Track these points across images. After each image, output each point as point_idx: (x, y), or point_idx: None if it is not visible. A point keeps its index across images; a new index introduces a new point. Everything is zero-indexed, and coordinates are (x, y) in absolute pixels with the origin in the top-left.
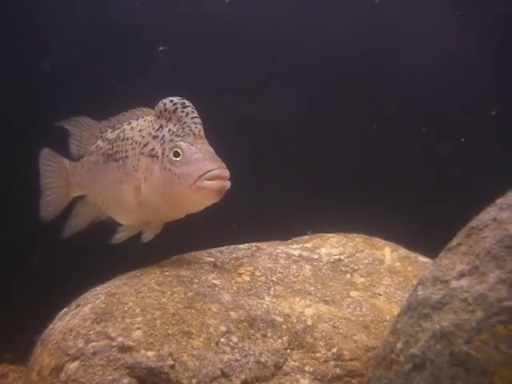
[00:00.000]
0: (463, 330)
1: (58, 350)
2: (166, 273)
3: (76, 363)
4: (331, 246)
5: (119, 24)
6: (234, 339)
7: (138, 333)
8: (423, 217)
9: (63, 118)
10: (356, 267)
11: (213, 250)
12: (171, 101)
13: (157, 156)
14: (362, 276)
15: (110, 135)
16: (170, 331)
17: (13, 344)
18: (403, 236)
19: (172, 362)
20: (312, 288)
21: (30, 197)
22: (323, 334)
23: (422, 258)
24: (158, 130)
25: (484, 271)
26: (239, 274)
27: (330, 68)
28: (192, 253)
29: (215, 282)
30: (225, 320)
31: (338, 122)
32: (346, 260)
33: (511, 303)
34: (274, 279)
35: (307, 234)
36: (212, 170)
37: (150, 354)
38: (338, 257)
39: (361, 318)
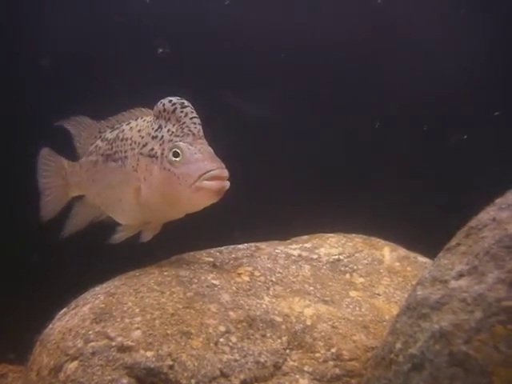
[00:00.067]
0: (462, 330)
1: (57, 350)
2: (166, 273)
3: (75, 363)
4: (330, 246)
5: (119, 23)
6: (233, 339)
7: (137, 333)
8: (423, 217)
9: (62, 117)
10: (355, 267)
11: (212, 250)
12: (170, 101)
13: (156, 156)
14: (361, 276)
15: (109, 135)
16: (169, 331)
17: (16, 344)
18: (403, 236)
19: (171, 362)
20: (311, 288)
21: (30, 197)
22: (322, 334)
23: (422, 258)
24: (157, 130)
25: (483, 271)
26: (238, 274)
27: (331, 68)
28: (191, 253)
29: (214, 282)
30: (224, 320)
31: (337, 121)
32: (346, 260)
33: (510, 303)
34: (274, 279)
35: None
36: (211, 171)
37: (149, 354)
38: (337, 257)
39: (360, 318)
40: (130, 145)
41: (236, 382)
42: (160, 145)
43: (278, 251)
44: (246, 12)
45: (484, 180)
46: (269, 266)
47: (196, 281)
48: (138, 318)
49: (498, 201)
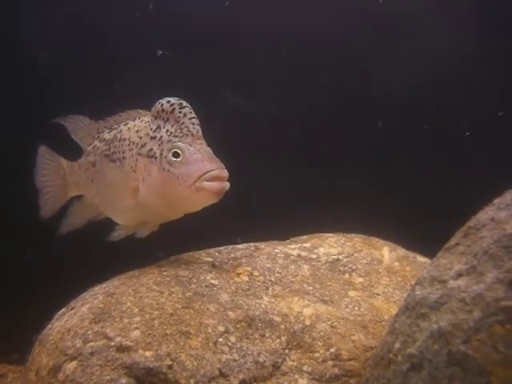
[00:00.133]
0: (461, 329)
1: (56, 350)
2: (165, 273)
3: (74, 363)
4: (330, 245)
5: (119, 23)
6: (233, 339)
7: (136, 333)
8: (422, 217)
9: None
10: (354, 267)
11: (211, 250)
12: (168, 101)
13: (155, 157)
14: (360, 276)
15: (107, 136)
16: (168, 331)
17: (20, 344)
18: (402, 236)
19: (170, 362)
20: (310, 288)
21: (30, 196)
22: (321, 333)
23: (421, 258)
24: (155, 130)
25: (482, 271)
26: (237, 273)
27: (331, 67)
28: (190, 253)
29: (213, 281)
30: (223, 320)
31: (337, 121)
32: (345, 260)
33: (509, 303)
34: (273, 279)
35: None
36: (211, 171)
37: (148, 353)
38: (336, 257)
39: (359, 318)
40: (128, 145)
41: (235, 382)
42: (159, 145)
43: (277, 251)
44: (245, 11)
45: (484, 180)
46: (268, 265)
47: (195, 281)
48: (137, 318)
49: (497, 201)
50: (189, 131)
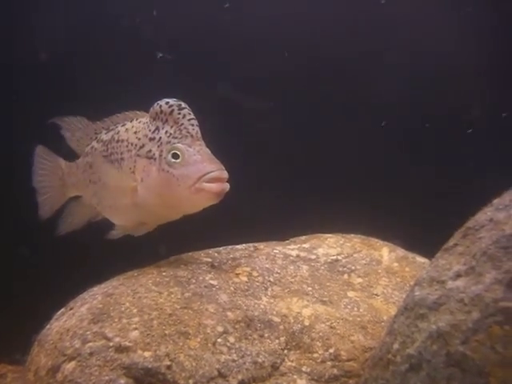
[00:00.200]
0: (459, 330)
1: (55, 351)
2: (164, 273)
3: (73, 363)
4: (329, 246)
5: (119, 23)
6: (231, 339)
7: (135, 333)
8: (421, 217)
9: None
10: (353, 267)
11: (210, 251)
12: (167, 103)
13: (154, 158)
14: (359, 276)
15: (105, 137)
16: (166, 332)
17: (23, 344)
18: (401, 236)
19: (169, 363)
20: (309, 288)
21: (30, 196)
22: (320, 334)
23: (420, 259)
24: (154, 131)
25: (480, 272)
26: (236, 274)
27: (332, 67)
28: (189, 253)
29: (212, 282)
30: (222, 320)
31: (337, 121)
32: (344, 260)
33: (507, 304)
34: (272, 280)
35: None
36: (211, 172)
37: (146, 354)
38: (335, 257)
39: (358, 319)
40: (127, 146)
41: (234, 383)
42: (158, 146)
43: (277, 251)
44: (245, 10)
45: (484, 180)
46: (267, 266)
47: (194, 281)
48: (136, 319)
49: (496, 201)
50: (188, 132)
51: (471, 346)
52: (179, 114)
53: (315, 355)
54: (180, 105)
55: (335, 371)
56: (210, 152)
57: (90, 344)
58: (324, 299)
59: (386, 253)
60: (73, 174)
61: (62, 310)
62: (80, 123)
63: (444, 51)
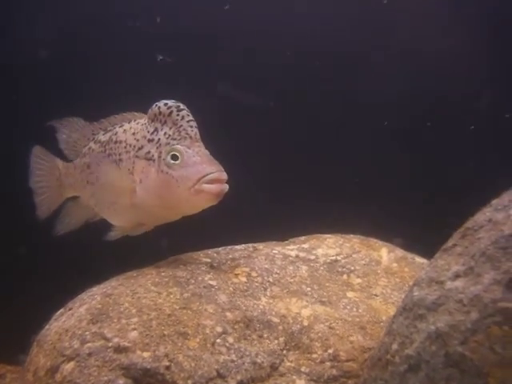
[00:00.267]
0: (458, 330)
1: (54, 351)
2: (163, 273)
3: (71, 364)
4: (328, 246)
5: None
6: (230, 340)
7: (134, 333)
8: (421, 217)
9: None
10: (353, 268)
11: (209, 251)
12: (165, 104)
13: (153, 159)
14: (358, 277)
15: (102, 138)
16: (165, 332)
17: (18, 344)
18: (401, 237)
19: (168, 363)
20: (308, 289)
21: (29, 197)
22: (319, 334)
23: (419, 259)
24: (153, 133)
25: (479, 272)
26: (236, 274)
27: (331, 67)
28: (189, 253)
29: (211, 282)
30: (221, 321)
31: (337, 121)
32: (343, 261)
33: (506, 304)
34: (271, 280)
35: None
36: (210, 174)
37: (145, 354)
38: (334, 257)
39: (357, 319)
40: (125, 147)
41: (233, 383)
42: (157, 148)
43: (276, 252)
44: (246, 10)
45: (483, 180)
46: (266, 266)
47: (193, 281)
48: (135, 319)
49: (494, 202)
50: (187, 134)
51: (470, 347)
52: (178, 115)
53: (314, 356)
54: (179, 106)
55: (334, 372)
56: (208, 153)
57: (89, 344)
58: (323, 299)
59: (385, 253)
60: (70, 174)
61: (61, 310)
62: (77, 124)
63: (444, 50)
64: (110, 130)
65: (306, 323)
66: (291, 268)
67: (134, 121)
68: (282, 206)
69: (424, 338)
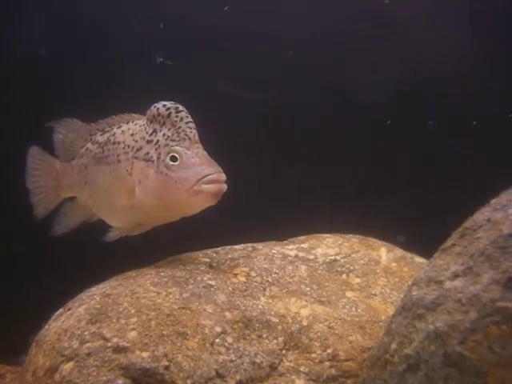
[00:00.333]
0: (457, 330)
1: (53, 351)
2: (162, 273)
3: (70, 364)
4: (327, 246)
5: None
6: (229, 340)
7: (133, 333)
8: (420, 217)
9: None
10: (352, 268)
11: (208, 251)
12: (164, 105)
13: (152, 160)
14: (357, 276)
15: (100, 138)
16: (164, 332)
17: (17, 344)
18: (400, 236)
19: (167, 363)
20: (308, 289)
21: (28, 197)
22: (318, 334)
23: (418, 259)
24: (151, 134)
25: (478, 272)
26: (235, 274)
27: (331, 67)
28: (188, 253)
29: (211, 282)
30: (220, 321)
31: (337, 121)
32: (342, 260)
33: (505, 304)
34: (270, 280)
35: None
36: (209, 175)
37: (144, 354)
38: (333, 257)
39: (356, 319)
40: (123, 148)
41: (232, 383)
42: (156, 149)
43: (275, 252)
44: (246, 9)
45: (483, 180)
46: (265, 266)
47: (192, 281)
48: (134, 319)
49: (493, 201)
50: (186, 135)
51: (469, 346)
52: (177, 116)
53: (313, 355)
54: (177, 107)
55: (333, 371)
56: (207, 155)
57: (88, 344)
58: (322, 299)
59: (385, 253)
60: (68, 175)
61: (60, 310)
62: (74, 125)
63: (444, 50)
64: (107, 131)
65: (305, 323)
66: (290, 268)
67: (132, 122)
68: (281, 205)
69: (423, 338)
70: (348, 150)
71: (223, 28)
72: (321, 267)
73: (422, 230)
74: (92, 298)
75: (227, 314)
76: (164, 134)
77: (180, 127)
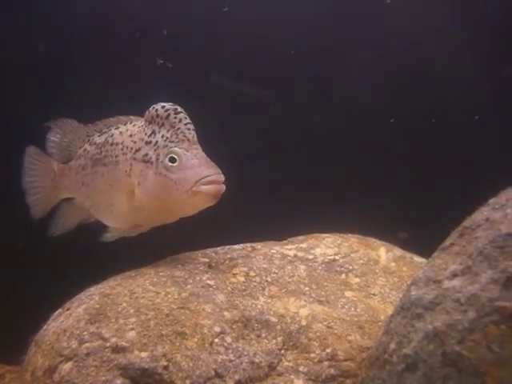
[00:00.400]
0: (455, 330)
1: (52, 351)
2: (161, 273)
3: (69, 364)
4: (326, 246)
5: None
6: (228, 340)
7: (132, 333)
8: (419, 217)
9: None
10: (351, 267)
11: (208, 251)
12: (163, 107)
13: (151, 161)
14: (356, 276)
15: (98, 139)
16: (163, 332)
17: (17, 344)
18: (399, 236)
19: (166, 363)
20: (307, 288)
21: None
22: (318, 334)
23: (418, 258)
24: (150, 135)
25: (476, 271)
26: (234, 274)
27: (331, 67)
28: (187, 253)
29: (209, 282)
30: (219, 320)
31: (336, 121)
32: (341, 260)
33: (503, 303)
34: (269, 279)
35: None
36: (208, 176)
37: (143, 354)
38: (332, 257)
39: (355, 319)
40: (122, 149)
41: (231, 383)
42: (155, 150)
43: (274, 251)
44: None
45: (483, 180)
46: (264, 266)
47: (191, 281)
48: (133, 319)
49: (492, 201)
50: (185, 136)
51: (467, 346)
52: (175, 118)
53: (312, 355)
54: (176, 109)
55: (332, 371)
56: (206, 156)
57: (87, 344)
58: (321, 299)
59: (384, 252)
60: (65, 175)
61: (59, 310)
62: (71, 125)
63: (444, 50)
64: (105, 132)
65: (304, 323)
66: (289, 267)
67: (130, 123)
68: (280, 205)
69: (421, 338)
70: (348, 150)
71: (223, 28)
72: (320, 267)
73: (421, 230)
74: (91, 297)
75: (226, 313)
76: (163, 136)
77: (179, 128)
